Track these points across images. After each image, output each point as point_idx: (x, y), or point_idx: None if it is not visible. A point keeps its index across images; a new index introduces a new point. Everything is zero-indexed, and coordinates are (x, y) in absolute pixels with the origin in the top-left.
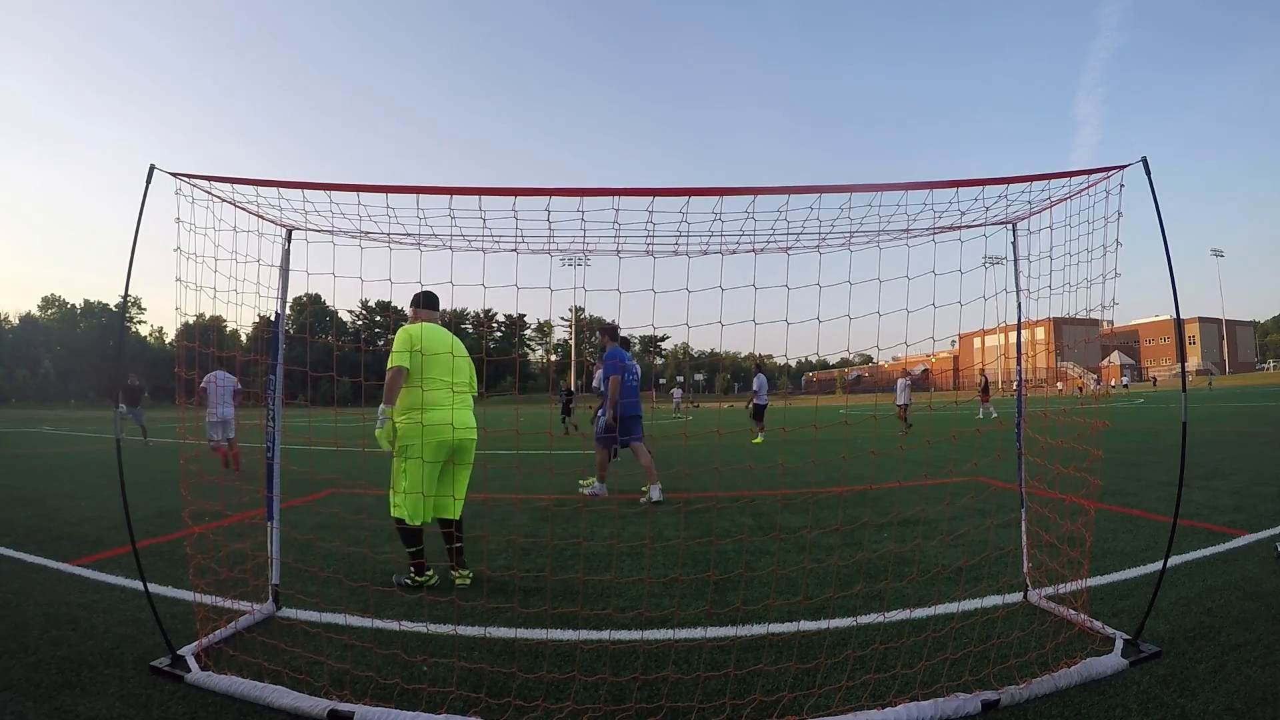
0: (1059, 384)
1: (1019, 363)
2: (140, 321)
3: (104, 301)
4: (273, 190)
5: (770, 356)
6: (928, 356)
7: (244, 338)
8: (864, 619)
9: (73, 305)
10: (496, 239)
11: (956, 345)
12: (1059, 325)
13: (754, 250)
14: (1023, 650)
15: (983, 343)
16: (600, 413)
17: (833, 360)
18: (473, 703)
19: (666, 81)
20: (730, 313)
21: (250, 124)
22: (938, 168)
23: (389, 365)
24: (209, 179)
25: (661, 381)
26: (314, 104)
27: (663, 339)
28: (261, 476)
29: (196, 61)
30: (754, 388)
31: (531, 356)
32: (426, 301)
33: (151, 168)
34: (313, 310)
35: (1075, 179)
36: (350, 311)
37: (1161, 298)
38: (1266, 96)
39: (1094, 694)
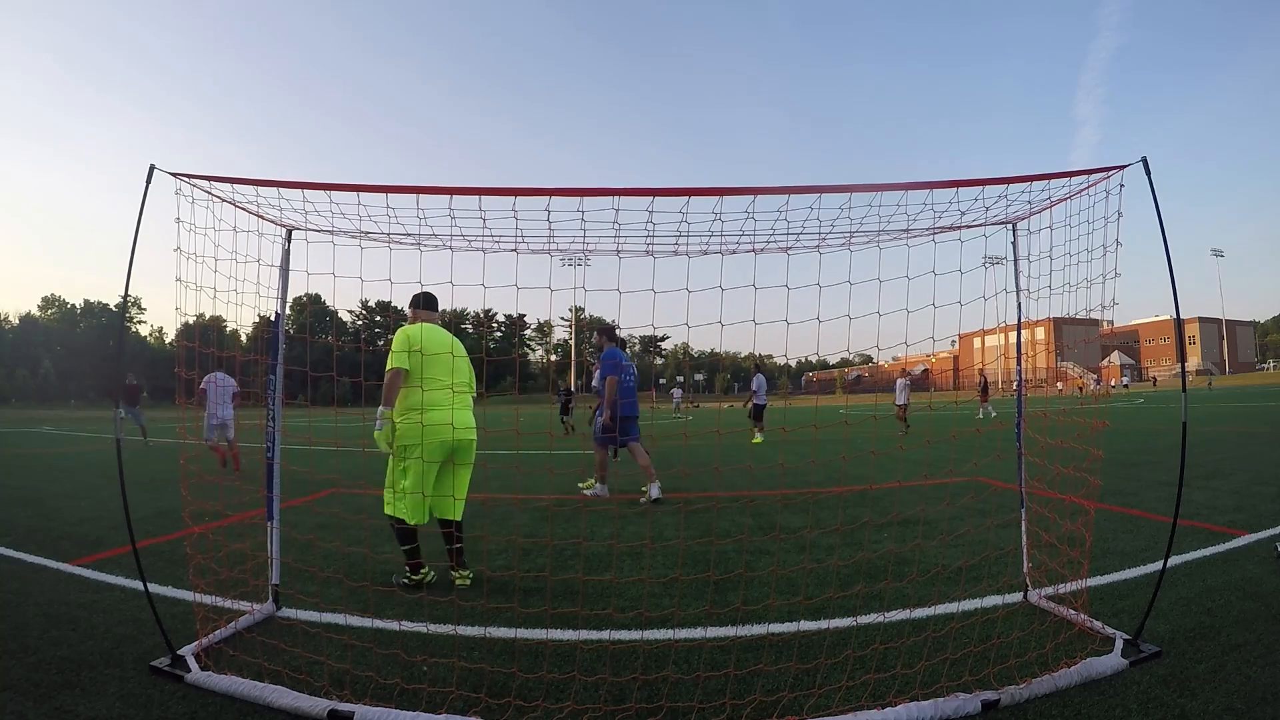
0: (1059, 384)
1: (1019, 363)
2: (140, 321)
3: (104, 301)
4: (273, 190)
5: (770, 356)
6: (928, 356)
7: (244, 338)
8: (864, 619)
9: (73, 305)
10: (496, 239)
11: (956, 345)
12: (1059, 325)
13: (754, 250)
14: (1023, 650)
15: (983, 343)
16: (598, 413)
17: (833, 360)
18: (473, 703)
19: (666, 81)
20: (730, 313)
21: (250, 124)
22: (938, 168)
23: (387, 367)
24: (209, 179)
25: (661, 381)
26: (314, 104)
27: (663, 339)
28: (261, 476)
29: (196, 61)
30: (753, 388)
31: (531, 356)
32: (426, 302)
33: (151, 168)
34: (313, 310)
35: (1075, 179)
36: (350, 311)
37: (1161, 298)
38: (1266, 96)
39: (1094, 694)
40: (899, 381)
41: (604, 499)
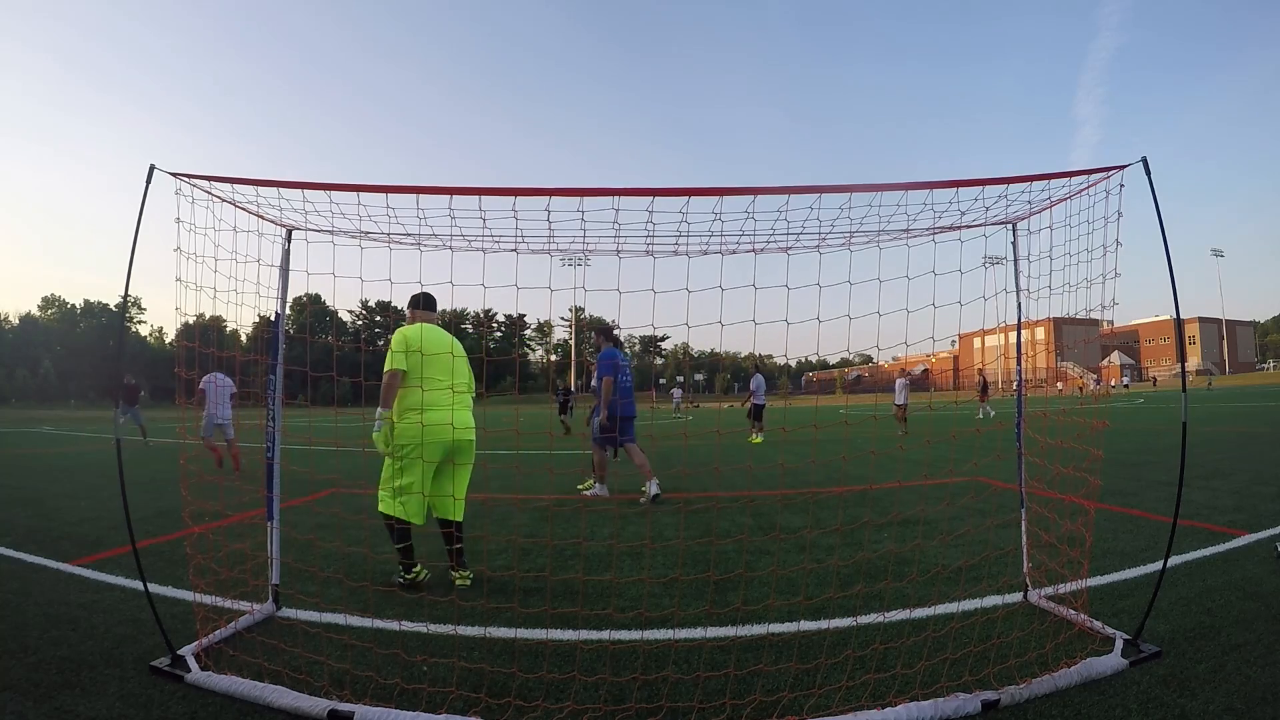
0: (1059, 384)
1: (1019, 363)
2: (140, 321)
3: (104, 301)
4: (273, 190)
5: (770, 356)
6: (928, 356)
7: (244, 338)
8: (864, 619)
9: (73, 305)
10: (496, 239)
11: (956, 345)
12: (1059, 325)
13: (754, 250)
14: (1023, 650)
15: (983, 343)
16: (595, 413)
17: (833, 360)
18: (473, 703)
19: (666, 81)
20: (730, 313)
21: (250, 124)
22: (938, 168)
23: (385, 368)
24: (209, 179)
25: (661, 381)
26: (314, 104)
27: (663, 339)
28: (261, 476)
29: (196, 61)
30: (751, 388)
31: (531, 356)
32: (425, 303)
33: (151, 168)
34: (313, 310)
35: (1075, 179)
36: (350, 311)
37: (1161, 298)
38: (1266, 96)
39: (1094, 694)
40: (898, 381)
41: (604, 499)
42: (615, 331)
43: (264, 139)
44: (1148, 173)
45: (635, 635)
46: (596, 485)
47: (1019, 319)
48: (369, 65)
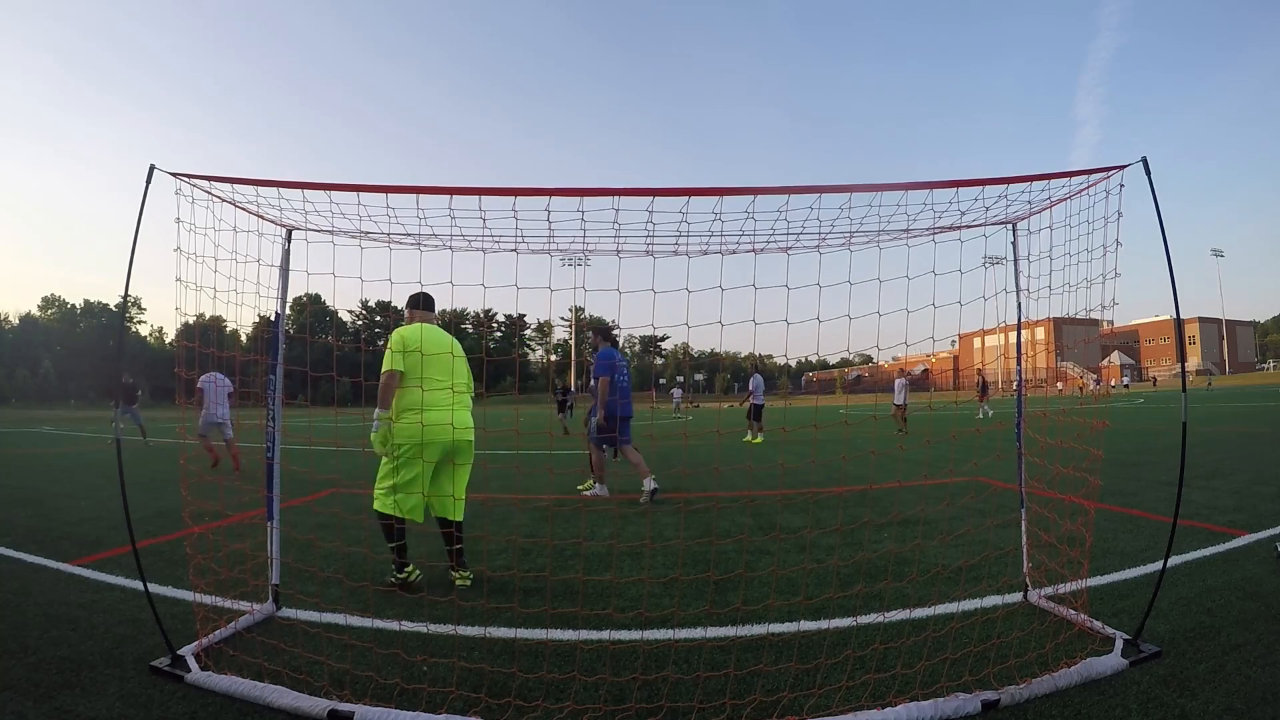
0: (1059, 384)
1: (1019, 363)
2: (140, 321)
3: (104, 301)
4: (273, 190)
5: (770, 356)
6: (928, 356)
7: (244, 338)
8: (864, 619)
9: (73, 305)
10: (496, 239)
11: (956, 345)
12: (1059, 325)
13: (754, 250)
14: (1023, 650)
15: (983, 343)
16: (592, 414)
17: (833, 360)
18: (473, 703)
19: (666, 81)
20: (730, 313)
21: (250, 124)
22: (938, 168)
23: (382, 369)
24: (209, 179)
25: (661, 381)
26: (314, 104)
27: (663, 339)
28: (261, 476)
29: (196, 61)
30: (750, 388)
31: (531, 356)
32: (423, 303)
33: (151, 168)
34: (313, 310)
35: (1075, 179)
36: (350, 311)
37: (1161, 298)
38: (1266, 96)
39: (1094, 694)
40: (897, 382)
41: (604, 499)
42: (614, 331)
43: (264, 139)
44: (1148, 173)
45: (635, 635)
46: (596, 485)
47: (1019, 319)
48: (369, 65)
